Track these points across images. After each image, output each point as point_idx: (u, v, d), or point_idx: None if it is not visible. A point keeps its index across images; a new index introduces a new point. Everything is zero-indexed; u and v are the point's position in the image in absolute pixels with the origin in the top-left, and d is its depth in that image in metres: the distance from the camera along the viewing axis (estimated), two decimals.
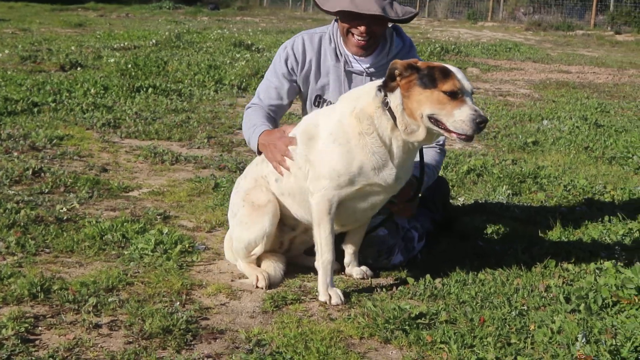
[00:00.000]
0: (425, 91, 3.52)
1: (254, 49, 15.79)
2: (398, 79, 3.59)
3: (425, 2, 40.91)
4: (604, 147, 7.60)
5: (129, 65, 11.48)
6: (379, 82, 3.72)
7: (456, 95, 3.49)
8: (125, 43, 15.79)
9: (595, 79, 14.40)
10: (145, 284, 3.84)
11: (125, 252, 4.28)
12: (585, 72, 15.74)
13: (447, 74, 3.52)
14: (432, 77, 3.52)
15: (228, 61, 13.11)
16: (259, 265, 4.08)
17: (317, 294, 3.81)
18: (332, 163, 3.69)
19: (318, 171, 3.74)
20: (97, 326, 3.35)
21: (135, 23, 24.30)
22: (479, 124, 3.44)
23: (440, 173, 6.18)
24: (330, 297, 3.74)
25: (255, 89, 10.38)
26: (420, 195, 4.26)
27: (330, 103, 4.32)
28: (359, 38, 4.16)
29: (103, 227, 4.54)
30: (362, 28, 4.12)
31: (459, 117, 3.46)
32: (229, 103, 9.61)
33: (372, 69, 4.29)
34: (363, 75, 4.30)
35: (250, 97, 10.03)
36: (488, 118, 3.57)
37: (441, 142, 4.41)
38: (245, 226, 4.01)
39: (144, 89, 9.76)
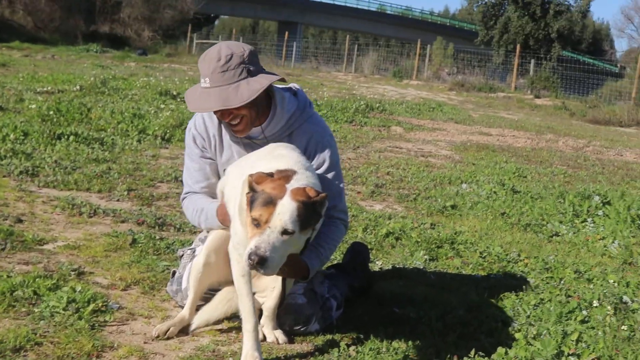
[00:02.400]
0: (249, 210, 3.43)
1: (179, 99, 15.72)
2: None
3: (353, 58, 41.58)
4: (520, 213, 7.76)
5: (51, 112, 11.29)
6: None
7: (258, 225, 3.35)
8: (49, 87, 15.56)
9: (514, 142, 14.79)
10: (54, 345, 3.74)
11: (36, 310, 4.15)
12: (505, 134, 16.18)
13: (265, 203, 3.37)
14: (255, 201, 3.40)
15: (153, 110, 13.01)
16: None
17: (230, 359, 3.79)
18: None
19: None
20: None
21: (61, 65, 24.02)
22: (251, 260, 3.26)
23: (360, 235, 6.26)
24: None
25: (179, 140, 10.53)
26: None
27: None
28: (231, 126, 4.07)
29: (14, 283, 4.42)
30: (224, 118, 4.04)
31: (249, 246, 3.35)
32: (152, 154, 9.51)
33: (266, 138, 4.17)
34: (263, 143, 4.16)
35: (173, 149, 10.05)
36: (266, 257, 3.25)
37: (341, 216, 4.30)
38: None
39: (65, 137, 9.57)
